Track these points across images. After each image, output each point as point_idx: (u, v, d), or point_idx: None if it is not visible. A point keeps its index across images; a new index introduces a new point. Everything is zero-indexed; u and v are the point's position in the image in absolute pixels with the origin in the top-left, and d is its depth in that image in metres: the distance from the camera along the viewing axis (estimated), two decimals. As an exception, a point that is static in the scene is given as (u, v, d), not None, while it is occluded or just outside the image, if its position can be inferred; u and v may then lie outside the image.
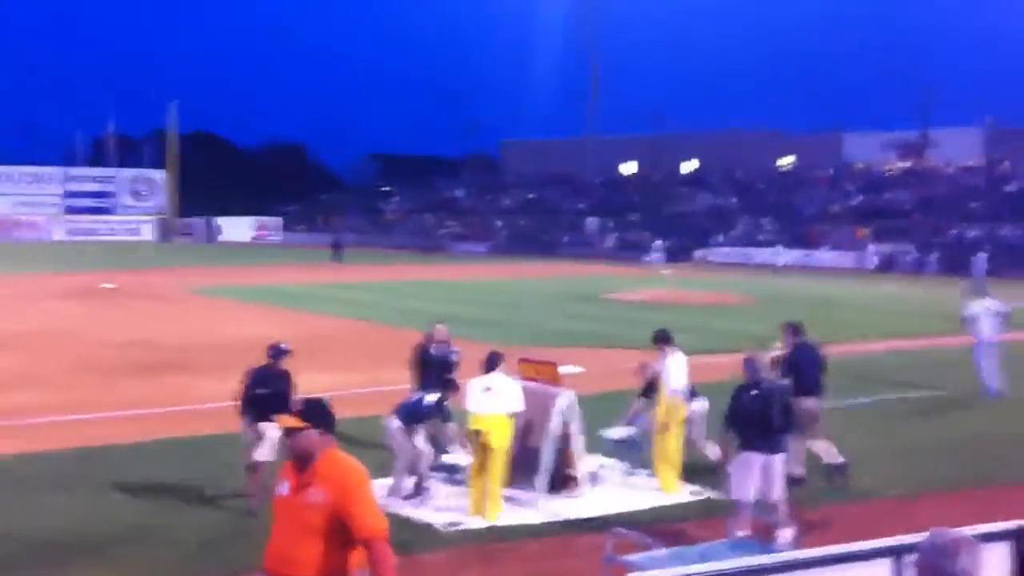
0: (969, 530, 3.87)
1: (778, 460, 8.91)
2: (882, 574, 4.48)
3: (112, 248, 65.92)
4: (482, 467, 9.82)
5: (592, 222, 72.54)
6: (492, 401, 9.85)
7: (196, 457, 11.84)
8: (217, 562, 8.51)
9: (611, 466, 11.47)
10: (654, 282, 41.66)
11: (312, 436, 4.83)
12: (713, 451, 11.39)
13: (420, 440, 10.44)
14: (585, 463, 10.75)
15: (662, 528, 8.93)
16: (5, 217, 77.40)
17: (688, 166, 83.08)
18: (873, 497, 10.68)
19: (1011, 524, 4.61)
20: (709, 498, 10.50)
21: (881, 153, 73.42)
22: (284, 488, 4.94)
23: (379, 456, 10.41)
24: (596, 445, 11.40)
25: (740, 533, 7.90)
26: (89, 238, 76.70)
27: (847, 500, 10.53)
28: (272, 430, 9.36)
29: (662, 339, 11.17)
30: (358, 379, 16.96)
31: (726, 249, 61.73)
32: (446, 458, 10.76)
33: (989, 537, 4.21)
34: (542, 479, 10.17)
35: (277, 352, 10.20)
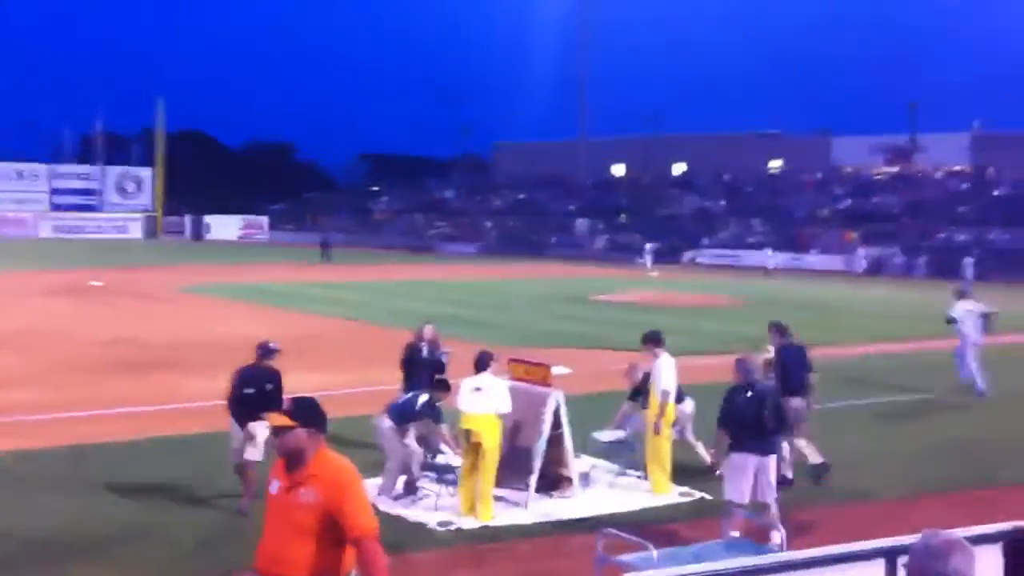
0: (962, 532, 3.89)
1: (772, 461, 8.94)
2: (876, 575, 4.49)
3: (99, 246, 65.67)
4: (473, 467, 9.82)
5: (582, 223, 72.63)
6: (482, 401, 9.86)
7: (187, 456, 11.81)
8: (210, 561, 8.49)
9: (602, 467, 11.49)
10: (643, 284, 41.75)
11: (301, 435, 4.81)
12: (704, 451, 11.45)
13: (411, 440, 10.44)
14: (577, 464, 10.76)
15: (653, 529, 8.94)
16: (-10, 213, 77.10)
17: (677, 168, 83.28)
18: (867, 499, 10.72)
19: (1003, 526, 4.63)
20: (700, 499, 10.55)
21: (869, 157, 73.74)
22: (275, 487, 4.92)
23: (370, 456, 10.40)
24: (586, 446, 11.41)
25: (733, 534, 7.92)
26: (76, 235, 76.38)
27: (841, 502, 10.57)
28: (262, 429, 9.33)
29: (652, 340, 11.18)
30: (347, 379, 16.93)
31: (715, 251, 61.88)
32: (438, 458, 10.75)
33: (982, 539, 4.22)
34: (533, 479, 10.17)
35: (266, 351, 10.14)
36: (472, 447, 9.83)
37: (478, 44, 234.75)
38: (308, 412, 4.91)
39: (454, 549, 8.97)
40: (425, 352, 12.22)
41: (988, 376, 17.27)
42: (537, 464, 10.19)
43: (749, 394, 8.90)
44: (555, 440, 10.40)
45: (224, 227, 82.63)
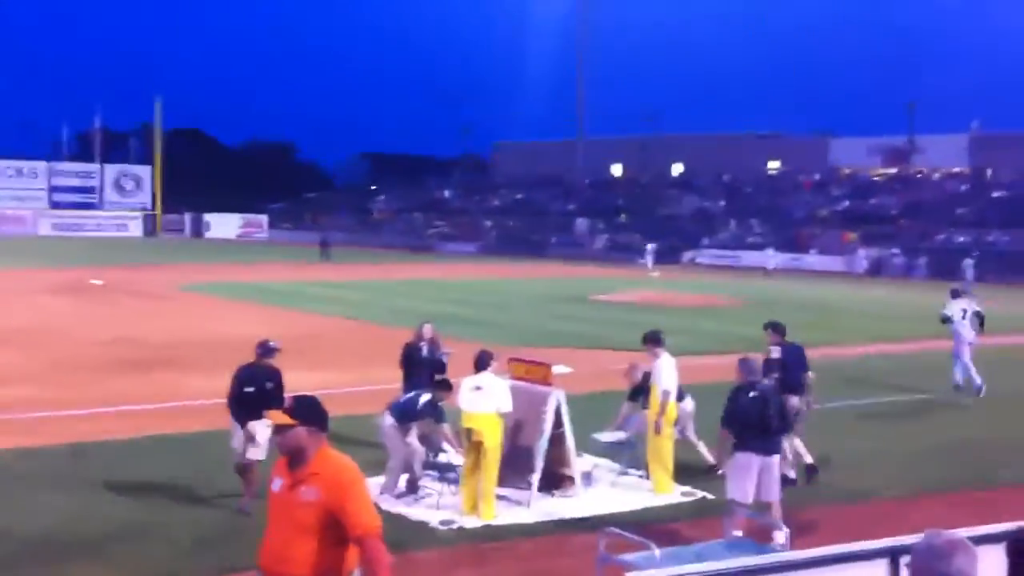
0: (966, 532, 3.91)
1: (776, 461, 8.97)
2: (878, 575, 4.50)
3: (99, 244, 65.65)
4: (475, 466, 9.83)
5: (581, 223, 72.64)
6: (482, 400, 9.87)
7: (187, 454, 11.81)
8: (210, 560, 8.47)
9: (604, 466, 11.51)
10: (643, 284, 41.76)
11: (301, 433, 4.80)
12: (706, 450, 11.48)
13: (413, 439, 10.45)
14: (579, 463, 10.78)
15: (655, 528, 8.96)
16: (-11, 211, 77.09)
17: (676, 169, 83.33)
18: (867, 499, 10.74)
19: (1006, 526, 4.65)
20: (702, 498, 10.57)
21: (868, 158, 73.78)
22: (277, 485, 4.92)
23: (371, 454, 10.42)
24: (586, 446, 11.43)
25: (736, 533, 7.94)
26: (75, 233, 76.36)
27: (841, 501, 10.59)
28: (263, 428, 9.33)
29: (653, 340, 11.20)
30: (347, 378, 16.94)
31: (715, 251, 61.90)
32: (439, 457, 10.77)
33: (985, 539, 4.24)
34: (535, 478, 10.19)
35: (266, 349, 10.10)
36: (473, 446, 9.84)
37: (477, 44, 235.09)
38: (308, 411, 4.90)
39: (456, 548, 8.98)
40: (424, 351, 12.24)
41: (984, 376, 17.37)
42: (539, 463, 10.20)
43: (753, 394, 8.92)
44: (557, 439, 10.41)
45: (223, 226, 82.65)
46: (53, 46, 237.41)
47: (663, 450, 10.77)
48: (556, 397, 10.40)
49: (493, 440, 9.80)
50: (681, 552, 6.48)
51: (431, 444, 10.77)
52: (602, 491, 10.82)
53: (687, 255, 61.35)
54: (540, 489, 10.27)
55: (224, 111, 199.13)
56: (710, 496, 10.53)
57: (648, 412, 11.05)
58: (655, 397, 10.86)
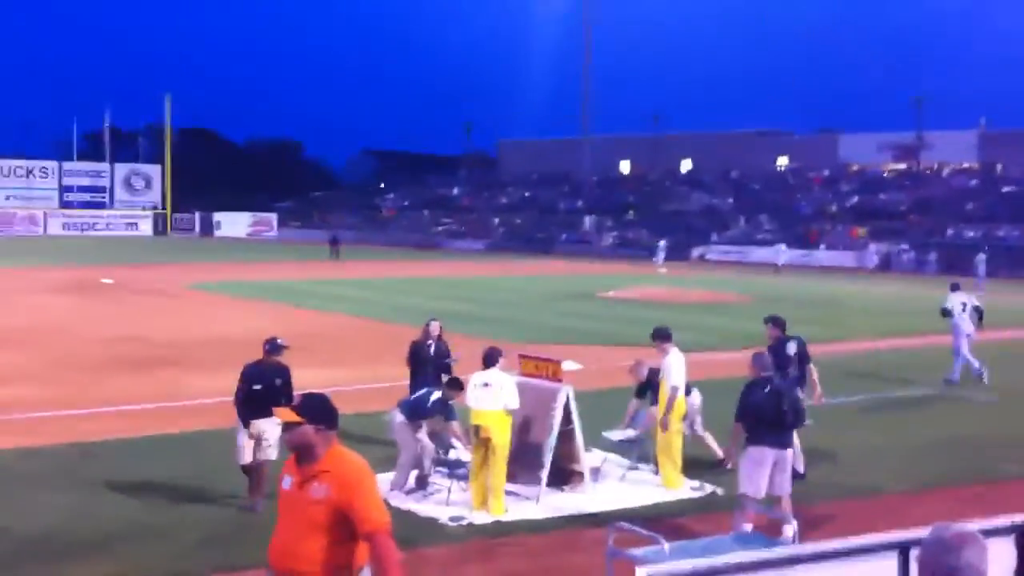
0: (975, 524, 3.91)
1: (789, 455, 8.98)
2: (888, 569, 4.50)
3: (109, 242, 65.86)
4: (483, 462, 9.85)
5: (589, 220, 72.63)
6: (490, 397, 9.88)
7: (191, 453, 11.79)
8: (216, 558, 8.46)
9: (613, 461, 11.53)
10: (651, 280, 41.73)
11: (308, 431, 4.80)
12: (715, 443, 11.49)
13: (423, 435, 10.48)
14: (588, 458, 10.80)
15: (665, 522, 8.97)
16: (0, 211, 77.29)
17: (684, 166, 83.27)
18: (877, 493, 10.73)
19: (1016, 518, 4.64)
20: (711, 493, 10.58)
21: (876, 154, 73.66)
22: (287, 483, 4.93)
23: (381, 451, 10.45)
24: (596, 443, 11.44)
25: (746, 527, 7.93)
26: (85, 233, 76.61)
27: (847, 496, 10.58)
28: (273, 427, 9.32)
29: (661, 336, 11.20)
30: (355, 375, 16.97)
31: (724, 248, 61.84)
32: (449, 453, 10.80)
33: (991, 532, 4.24)
34: (544, 474, 10.21)
35: (274, 347, 10.05)
36: (481, 443, 9.86)
37: (481, 43, 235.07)
38: (316, 409, 4.90)
39: (466, 544, 8.99)
40: (432, 349, 12.25)
41: (991, 370, 17.52)
42: (548, 459, 10.22)
43: (767, 389, 8.92)
44: (566, 435, 10.42)
45: (233, 224, 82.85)
46: (62, 46, 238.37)
47: (672, 445, 10.78)
48: (565, 393, 10.41)
49: (501, 437, 9.82)
50: (690, 546, 6.47)
51: (441, 441, 10.79)
52: (611, 486, 10.83)
53: (696, 252, 61.30)
54: (549, 485, 10.28)
55: (232, 110, 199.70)
56: (719, 490, 10.54)
57: (656, 408, 11.06)
58: (664, 393, 10.87)
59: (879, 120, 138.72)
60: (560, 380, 10.59)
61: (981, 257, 43.14)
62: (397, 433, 10.42)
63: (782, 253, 52.96)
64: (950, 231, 57.12)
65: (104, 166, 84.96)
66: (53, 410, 14.25)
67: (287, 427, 4.94)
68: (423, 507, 9.95)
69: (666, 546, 6.02)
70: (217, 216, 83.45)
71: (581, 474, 10.64)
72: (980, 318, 18.14)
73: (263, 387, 9.71)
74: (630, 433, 11.57)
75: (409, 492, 10.26)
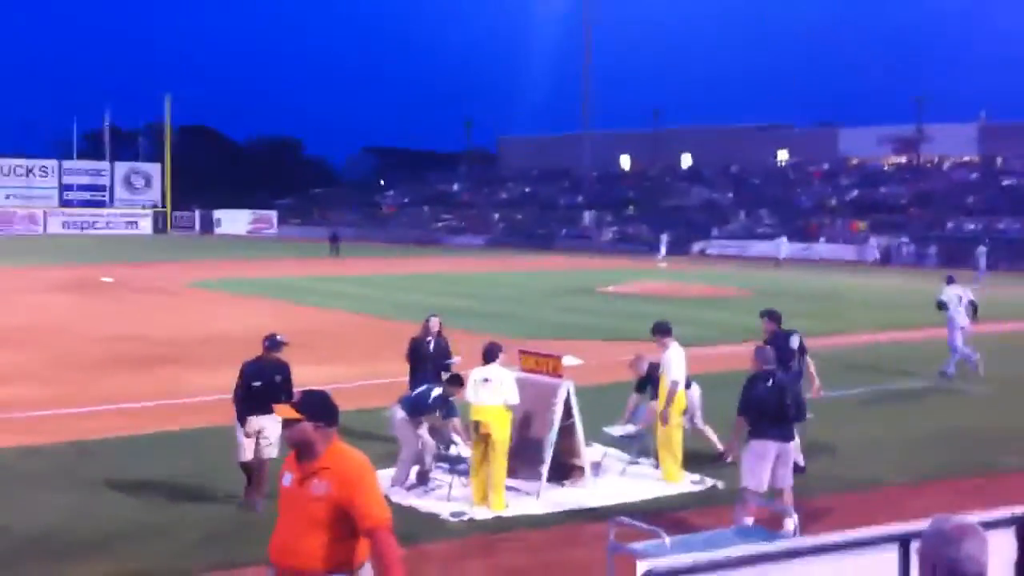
0: (975, 516, 3.90)
1: (791, 448, 8.99)
2: (888, 561, 4.49)
3: (109, 241, 65.86)
4: (483, 458, 9.85)
5: (589, 216, 72.62)
6: (490, 393, 9.88)
7: (191, 450, 11.79)
8: (216, 556, 8.46)
9: (613, 456, 11.53)
10: (651, 275, 41.73)
11: (307, 429, 4.81)
12: (715, 437, 11.49)
13: (424, 431, 10.48)
14: (588, 453, 10.80)
15: (665, 516, 8.98)
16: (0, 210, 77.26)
17: (684, 161, 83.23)
18: (876, 485, 10.74)
19: (1016, 510, 4.64)
20: (712, 486, 10.59)
21: (876, 148, 73.59)
22: (288, 480, 4.94)
23: (381, 447, 10.45)
24: (596, 438, 11.44)
25: (747, 521, 7.94)
26: (85, 231, 76.59)
27: (846, 489, 10.59)
28: (274, 424, 9.30)
29: (661, 331, 11.20)
30: (356, 372, 16.97)
31: (724, 242, 61.81)
32: (450, 449, 10.80)
33: (991, 524, 4.23)
34: (545, 469, 10.21)
35: (273, 343, 10.01)
36: (482, 438, 9.86)
37: (479, 40, 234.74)
38: (315, 406, 4.91)
39: (467, 539, 8.99)
40: (432, 346, 12.24)
41: (989, 362, 17.59)
42: (548, 454, 10.22)
43: (770, 382, 8.93)
44: (566, 430, 10.43)
45: (234, 222, 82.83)
46: (61, 45, 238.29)
47: (672, 439, 10.79)
48: (566, 388, 10.41)
49: (501, 432, 9.82)
50: (691, 540, 6.48)
51: (441, 437, 10.80)
52: (612, 481, 10.84)
53: (696, 246, 61.28)
54: (550, 480, 10.29)
55: (231, 108, 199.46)
56: (719, 484, 10.55)
57: (656, 402, 11.07)
58: (664, 387, 10.87)
59: (879, 114, 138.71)
60: (560, 375, 10.59)
61: (982, 250, 43.16)
62: (398, 429, 10.41)
63: (783, 247, 52.92)
64: (950, 224, 57.12)
65: (104, 165, 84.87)
66: (53, 408, 14.24)
67: (287, 424, 4.95)
68: (424, 503, 9.95)
69: (667, 540, 6.02)
70: (217, 214, 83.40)
71: (582, 469, 10.65)
72: (975, 312, 18.18)
73: (263, 384, 9.68)
74: (630, 428, 11.58)
75: (410, 488, 10.27)
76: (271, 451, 9.72)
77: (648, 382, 11.51)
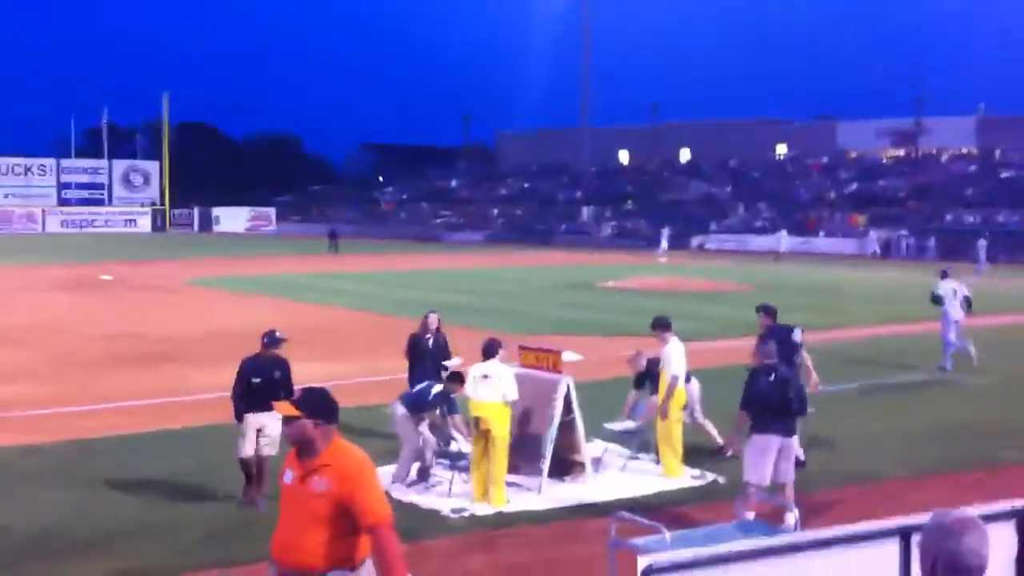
0: (976, 510, 3.90)
1: (794, 442, 9.00)
2: (889, 555, 4.50)
3: (107, 239, 65.82)
4: (483, 454, 9.86)
5: (588, 211, 72.59)
6: (489, 389, 9.89)
7: (192, 449, 11.79)
8: (218, 554, 8.46)
9: (614, 451, 11.53)
10: (650, 270, 41.72)
11: (307, 426, 4.82)
12: (715, 431, 11.50)
13: (425, 428, 10.48)
14: (589, 448, 10.80)
15: (666, 511, 8.99)
16: (-2, 209, 77.23)
17: (682, 155, 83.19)
18: (876, 479, 10.74)
19: (1017, 503, 4.64)
20: (712, 481, 10.60)
21: (875, 141, 73.57)
22: (289, 477, 4.95)
23: (382, 444, 10.45)
24: (596, 433, 11.45)
25: (748, 515, 7.94)
26: (84, 230, 76.54)
27: (846, 482, 10.59)
28: (273, 420, 9.29)
29: (661, 325, 11.20)
30: (355, 369, 16.97)
31: (724, 236, 61.79)
32: (451, 445, 10.81)
33: (992, 518, 4.23)
34: (545, 465, 10.21)
35: (272, 340, 9.99)
36: (481, 434, 9.87)
37: (477, 36, 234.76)
38: (315, 404, 4.92)
39: (467, 535, 9.00)
40: (431, 342, 12.23)
41: (986, 356, 17.69)
42: (549, 450, 10.22)
43: (772, 377, 8.93)
44: (567, 426, 10.43)
45: (232, 219, 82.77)
46: (59, 44, 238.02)
47: (672, 434, 10.79)
48: (566, 384, 10.41)
49: (500, 428, 9.82)
50: (692, 535, 6.47)
51: (441, 433, 10.80)
52: (612, 476, 10.85)
53: (695, 241, 61.25)
54: (550, 475, 10.29)
55: (229, 105, 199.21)
56: (720, 479, 10.56)
57: (656, 397, 11.07)
58: (664, 382, 10.87)
59: (877, 107, 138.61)
60: (560, 371, 10.59)
61: (982, 243, 43.19)
62: (399, 426, 10.42)
63: (783, 240, 52.91)
64: (949, 217, 57.12)
65: (102, 163, 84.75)
66: (53, 407, 14.25)
67: (286, 421, 4.96)
68: (425, 499, 9.96)
69: (667, 535, 6.01)
70: (216, 211, 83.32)
71: (582, 464, 10.65)
72: (968, 306, 18.18)
73: (262, 380, 9.66)
74: (630, 424, 11.58)
75: (411, 484, 10.27)
76: (271, 448, 9.71)
77: (647, 378, 11.52)
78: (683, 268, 43.07)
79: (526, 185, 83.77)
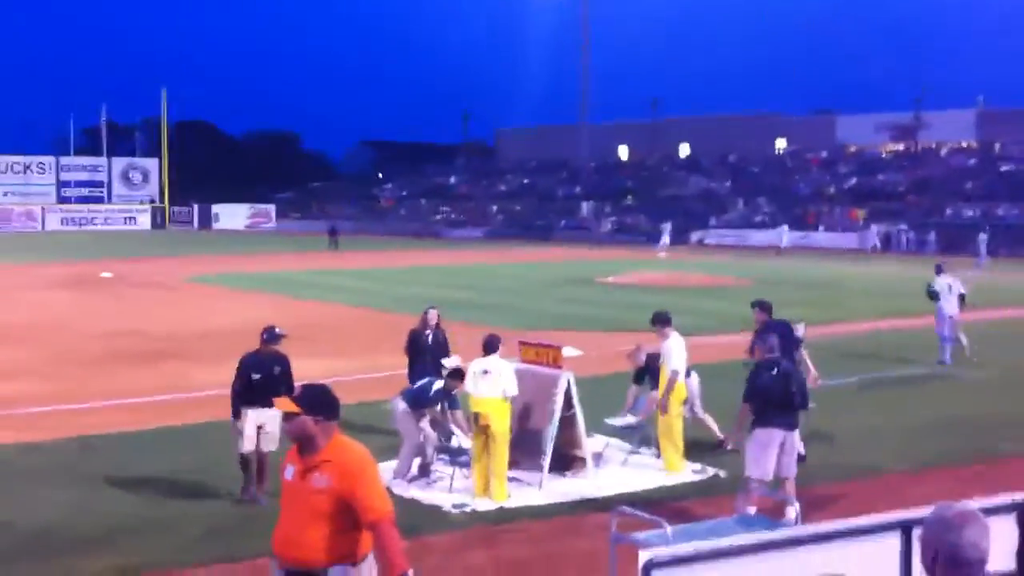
0: (977, 503, 3.91)
1: (796, 436, 9.01)
2: (891, 548, 4.51)
3: (107, 237, 65.79)
4: (484, 449, 9.87)
5: (587, 207, 72.56)
6: (489, 384, 9.89)
7: (193, 445, 11.79)
8: (220, 550, 8.47)
9: (615, 446, 11.54)
10: (650, 265, 41.71)
11: (307, 422, 4.82)
12: (715, 425, 11.51)
13: (426, 424, 10.49)
14: (590, 443, 10.81)
15: (667, 506, 8.99)
16: (-2, 207, 77.17)
17: (681, 150, 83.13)
18: (875, 474, 10.75)
19: (1017, 496, 4.65)
20: (713, 475, 10.60)
21: (874, 135, 73.52)
22: (290, 473, 4.95)
23: (382, 440, 10.45)
24: (597, 428, 11.45)
25: (750, 510, 7.95)
26: (84, 227, 76.49)
27: (847, 477, 10.60)
28: (273, 417, 9.28)
29: (661, 321, 11.21)
30: (355, 365, 16.97)
31: (723, 231, 61.76)
32: (451, 441, 10.81)
33: (992, 511, 4.24)
34: (546, 460, 10.22)
35: (272, 336, 9.97)
36: (481, 430, 9.88)
37: (478, 33, 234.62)
38: (315, 400, 4.92)
39: (469, 530, 9.00)
40: (430, 338, 12.22)
41: (984, 349, 17.75)
42: (549, 445, 10.23)
43: (775, 371, 8.94)
44: (567, 421, 10.43)
45: (232, 216, 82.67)
46: (57, 42, 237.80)
47: (673, 428, 10.80)
48: (566, 379, 10.41)
49: (501, 424, 9.83)
50: (693, 529, 6.49)
51: (442, 429, 10.81)
52: (613, 471, 10.85)
53: (695, 236, 61.23)
54: (551, 470, 10.30)
55: (228, 102, 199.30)
56: (721, 473, 10.56)
57: (656, 392, 11.08)
58: (664, 377, 10.88)
59: (876, 102, 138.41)
60: (560, 366, 10.60)
61: (983, 237, 43.20)
62: (400, 422, 10.42)
63: (785, 235, 52.88)
64: (949, 211, 57.11)
65: (101, 160, 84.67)
66: (54, 404, 14.24)
67: (287, 417, 4.96)
68: (426, 495, 9.97)
69: (669, 530, 6.03)
70: (215, 208, 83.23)
71: (583, 459, 10.65)
72: (962, 302, 18.16)
73: (262, 376, 9.66)
74: (631, 420, 11.59)
75: (412, 480, 10.28)
76: (271, 444, 9.72)
77: (646, 373, 11.53)
78: (683, 263, 43.05)
79: (525, 181, 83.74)
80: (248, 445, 9.76)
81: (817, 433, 11.71)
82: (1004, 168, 62.25)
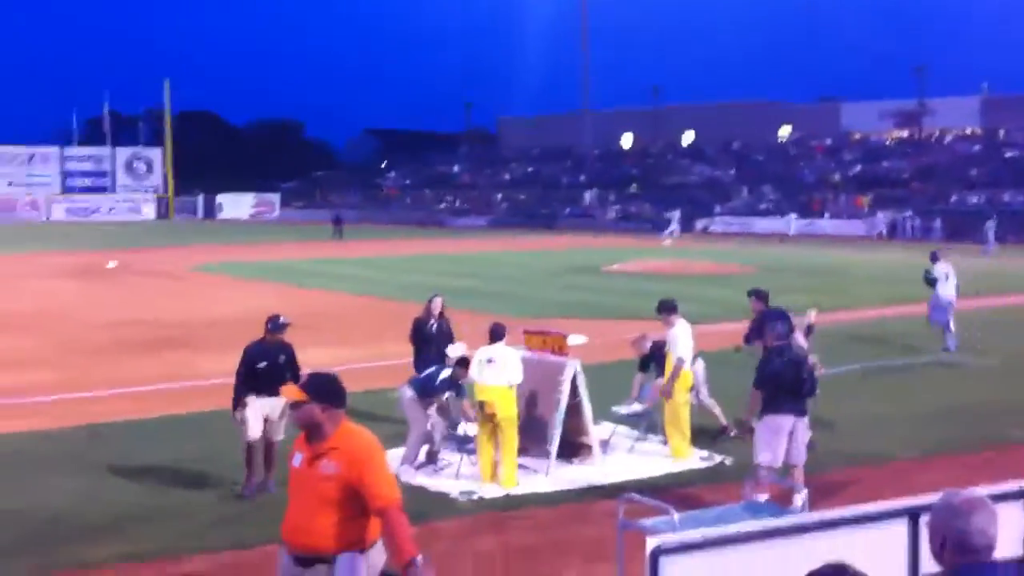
0: (984, 490, 3.91)
1: (806, 423, 9.01)
2: (898, 535, 4.51)
3: (112, 227, 65.84)
4: (490, 436, 9.90)
5: (591, 195, 72.47)
6: (494, 373, 9.91)
7: (200, 433, 11.81)
8: (228, 537, 8.50)
9: (622, 433, 11.56)
10: (655, 253, 41.68)
11: (314, 410, 4.85)
12: (721, 412, 11.52)
13: (433, 411, 10.51)
14: (596, 431, 10.82)
15: (674, 493, 9.01)
16: (2, 197, 77.14)
17: (685, 138, 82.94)
18: (883, 461, 10.75)
19: (1022, 484, 4.65)
20: (720, 462, 10.62)
21: (879, 122, 73.27)
22: (298, 460, 4.97)
23: (390, 428, 10.47)
24: (604, 416, 11.46)
25: (760, 497, 7.95)
26: (88, 218, 76.54)
27: (854, 463, 10.60)
28: (279, 405, 9.30)
29: (667, 308, 11.21)
30: (360, 353, 16.98)
31: (728, 219, 61.64)
32: (458, 428, 10.84)
33: (1000, 498, 4.24)
34: (554, 447, 10.24)
35: (276, 325, 9.95)
36: (487, 418, 9.90)
37: (480, 21, 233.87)
38: (322, 388, 4.94)
39: (476, 517, 9.03)
40: (435, 327, 12.22)
41: (990, 336, 17.81)
42: (556, 432, 10.24)
43: (785, 357, 8.95)
44: (573, 409, 10.45)
45: (236, 206, 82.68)
46: (59, 33, 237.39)
47: (680, 415, 10.81)
48: (572, 367, 10.42)
49: (507, 411, 9.85)
50: (700, 516, 6.50)
51: (449, 417, 10.83)
52: (620, 458, 10.87)
53: (700, 223, 61.11)
54: (558, 457, 10.32)
55: (231, 92, 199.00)
56: (728, 460, 10.57)
57: (661, 380, 11.08)
58: (670, 364, 10.88)
59: (881, 89, 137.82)
60: (566, 354, 10.61)
61: (990, 224, 43.12)
62: (407, 409, 10.44)
63: (792, 223, 52.77)
64: (954, 197, 56.95)
65: (105, 151, 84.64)
66: (60, 393, 14.29)
67: (294, 406, 4.97)
68: (434, 482, 10.00)
69: (676, 516, 6.04)
70: (219, 198, 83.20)
71: (590, 447, 10.67)
72: (956, 290, 18.11)
73: (267, 365, 9.67)
74: (637, 407, 11.60)
75: (419, 467, 10.30)
76: (278, 433, 9.74)
77: (652, 360, 11.53)
78: (687, 251, 43.01)
79: (529, 169, 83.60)
80: (256, 431, 9.75)
81: (824, 420, 11.71)
82: (1009, 154, 62.03)
